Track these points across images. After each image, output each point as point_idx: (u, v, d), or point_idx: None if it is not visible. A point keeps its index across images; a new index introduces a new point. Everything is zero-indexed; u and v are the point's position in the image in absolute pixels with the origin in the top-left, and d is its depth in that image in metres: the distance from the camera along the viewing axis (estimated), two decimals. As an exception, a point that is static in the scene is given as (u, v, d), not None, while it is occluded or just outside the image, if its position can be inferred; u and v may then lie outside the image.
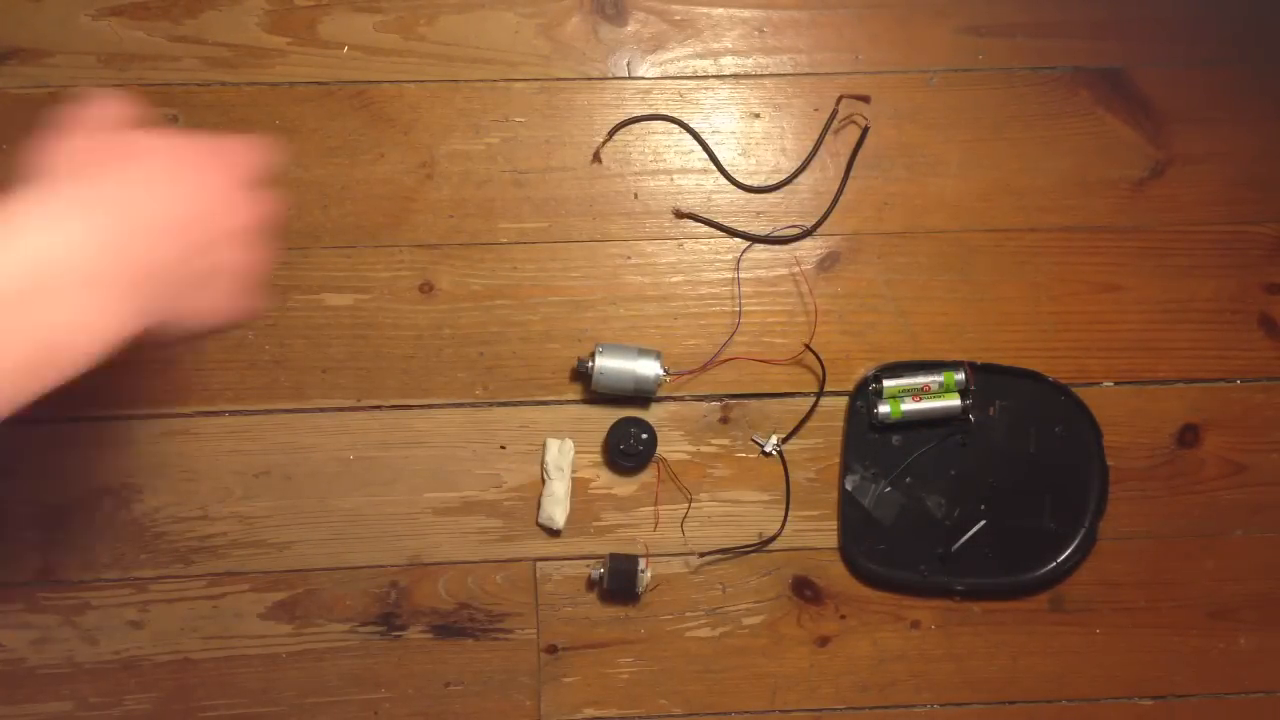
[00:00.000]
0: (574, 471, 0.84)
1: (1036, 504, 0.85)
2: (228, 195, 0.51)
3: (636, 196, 0.86)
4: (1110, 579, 0.86)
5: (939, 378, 0.84)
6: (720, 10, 0.87)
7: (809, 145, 0.87)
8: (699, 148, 0.86)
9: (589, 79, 0.86)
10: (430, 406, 0.84)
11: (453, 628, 0.84)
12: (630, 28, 0.87)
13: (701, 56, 0.87)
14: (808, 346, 0.84)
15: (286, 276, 0.84)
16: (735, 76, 0.87)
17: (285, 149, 0.84)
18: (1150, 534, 0.87)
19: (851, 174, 0.86)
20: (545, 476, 0.84)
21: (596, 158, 0.86)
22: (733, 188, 0.86)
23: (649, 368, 0.81)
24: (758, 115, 0.87)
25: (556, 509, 0.83)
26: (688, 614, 0.85)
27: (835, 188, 0.86)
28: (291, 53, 0.85)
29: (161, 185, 0.48)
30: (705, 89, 0.87)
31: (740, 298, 0.85)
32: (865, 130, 0.86)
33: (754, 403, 0.85)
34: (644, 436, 0.83)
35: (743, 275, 0.86)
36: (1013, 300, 0.86)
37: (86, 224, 0.44)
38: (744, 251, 0.86)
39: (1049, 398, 0.85)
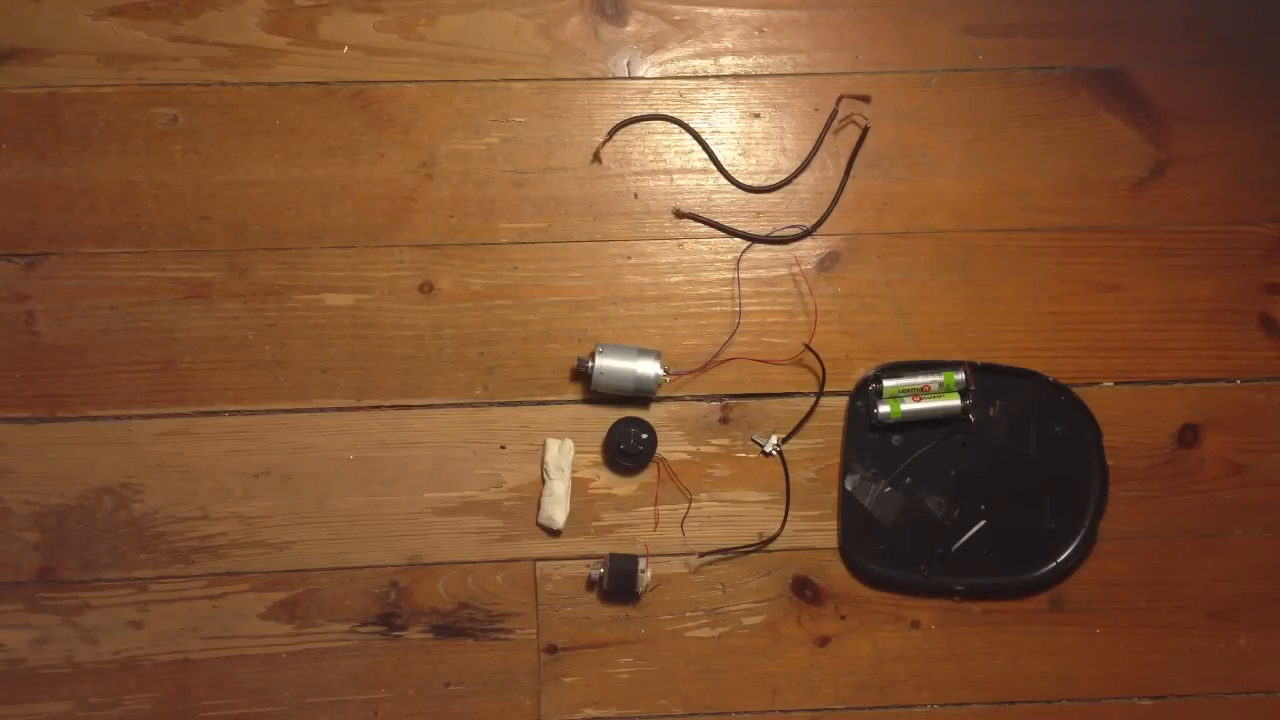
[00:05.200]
0: (574, 471, 0.84)
1: (1036, 504, 0.85)
2: None
3: (636, 196, 0.86)
4: (1110, 579, 0.86)
5: (939, 378, 0.84)
6: (720, 10, 0.87)
7: (809, 145, 0.87)
8: (699, 148, 0.86)
9: (589, 79, 0.86)
10: (430, 406, 0.84)
11: (453, 628, 0.84)
12: (630, 28, 0.87)
13: (701, 56, 0.87)
14: (808, 346, 0.84)
15: (286, 276, 0.84)
16: (735, 76, 0.87)
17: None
18: (1150, 534, 0.87)
19: (851, 174, 0.86)
20: (545, 476, 0.84)
21: (596, 158, 0.86)
22: (733, 188, 0.86)
23: (649, 368, 0.81)
24: (758, 115, 0.87)
25: (556, 509, 0.83)
26: (688, 614, 0.85)
27: (835, 188, 0.86)
28: (291, 53, 0.85)
29: None
30: (705, 89, 0.87)
31: (740, 298, 0.85)
32: (865, 130, 0.86)
33: (754, 403, 0.85)
34: (644, 436, 0.83)
35: (743, 275, 0.86)
36: (1013, 300, 0.86)
37: None
38: (744, 251, 0.86)
39: (1049, 398, 0.85)
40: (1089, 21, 0.88)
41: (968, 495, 0.85)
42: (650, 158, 0.86)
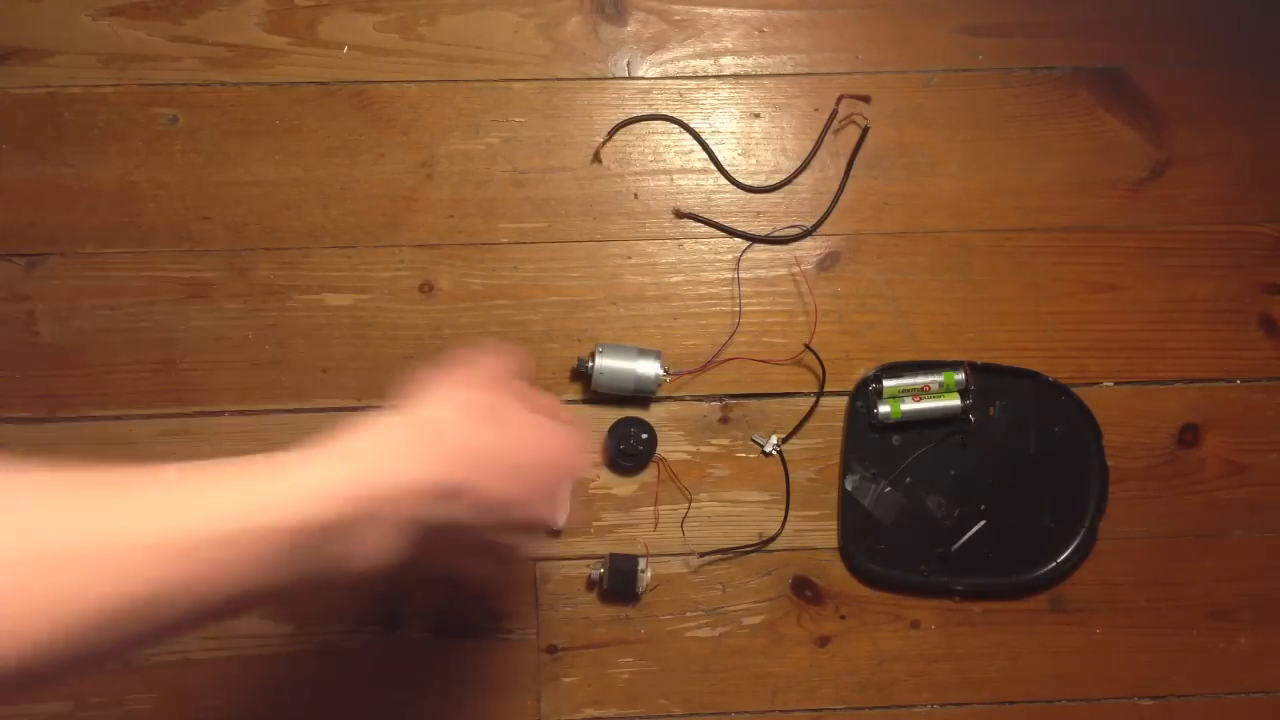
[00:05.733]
0: (574, 471, 0.84)
1: (1036, 504, 0.85)
2: (552, 486, 0.53)
3: (636, 196, 0.86)
4: (1110, 579, 0.86)
5: (939, 378, 0.84)
6: (720, 10, 0.87)
7: (809, 145, 0.87)
8: (699, 148, 0.86)
9: (589, 79, 0.86)
10: (430, 406, 0.84)
11: (453, 628, 0.84)
12: (630, 28, 0.87)
13: (701, 56, 0.87)
14: (808, 346, 0.84)
15: (286, 276, 0.84)
16: (735, 76, 0.87)
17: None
18: (1150, 534, 0.87)
19: (851, 174, 0.86)
20: (545, 476, 0.83)
21: (596, 158, 0.86)
22: (733, 188, 0.86)
23: (649, 368, 0.81)
24: (758, 115, 0.87)
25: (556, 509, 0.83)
26: (688, 614, 0.85)
27: (835, 188, 0.86)
28: (291, 53, 0.85)
29: (512, 456, 0.50)
30: (705, 89, 0.87)
31: (740, 298, 0.85)
32: (865, 130, 0.86)
33: (754, 403, 0.85)
34: (644, 436, 0.83)
35: (743, 275, 0.86)
36: (1013, 300, 0.86)
37: (420, 469, 0.45)
38: (744, 251, 0.86)
39: (1049, 398, 0.85)
40: (1089, 21, 0.88)
41: (968, 495, 0.85)
42: (650, 158, 0.86)
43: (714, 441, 0.85)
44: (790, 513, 0.85)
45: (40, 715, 0.82)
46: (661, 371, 0.82)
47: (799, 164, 0.86)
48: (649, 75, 0.87)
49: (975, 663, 0.86)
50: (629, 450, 0.83)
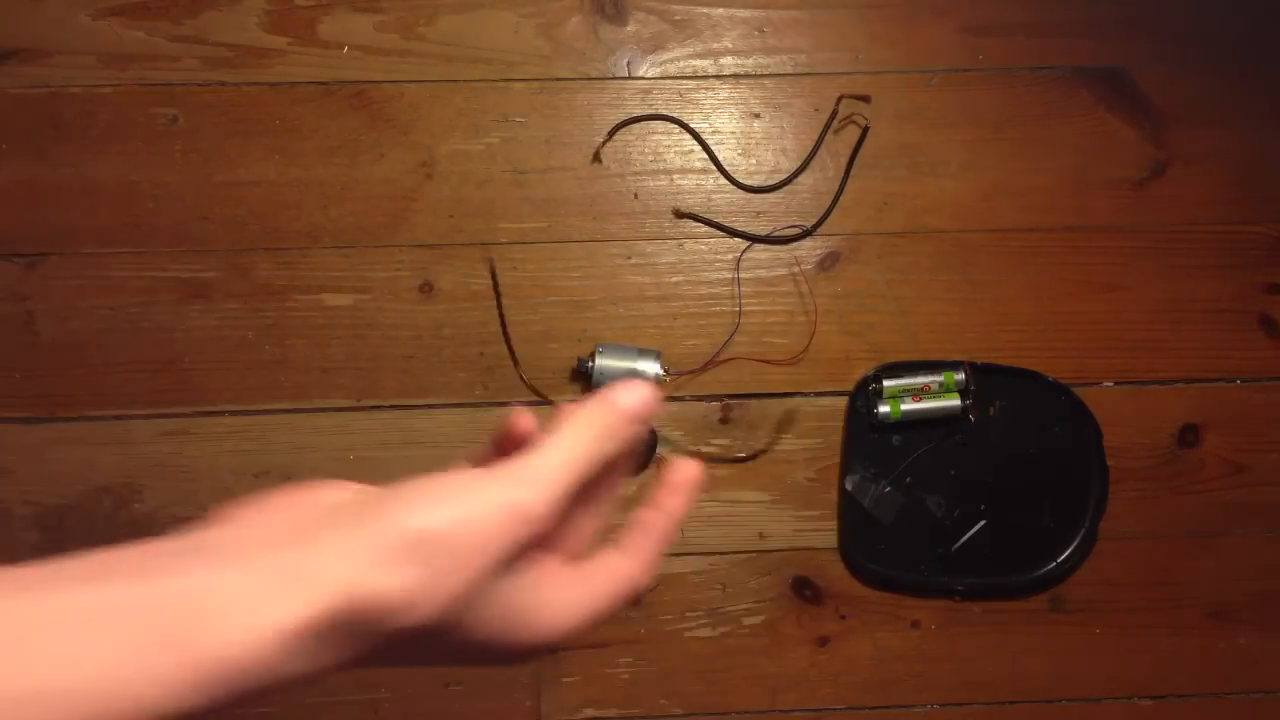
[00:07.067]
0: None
1: (1036, 504, 0.85)
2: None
3: (636, 196, 0.86)
4: (1110, 579, 0.86)
5: (939, 378, 0.84)
6: (720, 10, 0.87)
7: (809, 145, 0.87)
8: (699, 148, 0.86)
9: (589, 79, 0.86)
10: (430, 406, 0.84)
11: (453, 628, 0.84)
12: (630, 28, 0.87)
13: (701, 56, 0.87)
14: (807, 347, 0.84)
15: (286, 276, 0.84)
16: (735, 76, 0.87)
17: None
18: (1150, 534, 0.87)
19: (851, 174, 0.86)
20: (545, 476, 0.83)
21: (596, 158, 0.86)
22: (733, 188, 0.86)
23: (649, 368, 0.81)
24: (758, 115, 0.87)
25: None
26: (688, 614, 0.85)
27: (835, 188, 0.86)
28: (291, 53, 0.85)
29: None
30: (705, 89, 0.87)
31: (740, 298, 0.85)
32: (865, 130, 0.86)
33: (754, 403, 0.85)
34: (644, 436, 0.83)
35: (743, 275, 0.86)
36: (1013, 300, 0.86)
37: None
38: (744, 251, 0.86)
39: (1049, 398, 0.85)
40: (1089, 21, 0.88)
41: (968, 495, 0.85)
42: (650, 158, 0.86)
43: (714, 441, 0.85)
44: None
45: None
46: (661, 371, 0.82)
47: (799, 164, 0.86)
48: (649, 75, 0.87)
49: (975, 663, 0.86)
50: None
